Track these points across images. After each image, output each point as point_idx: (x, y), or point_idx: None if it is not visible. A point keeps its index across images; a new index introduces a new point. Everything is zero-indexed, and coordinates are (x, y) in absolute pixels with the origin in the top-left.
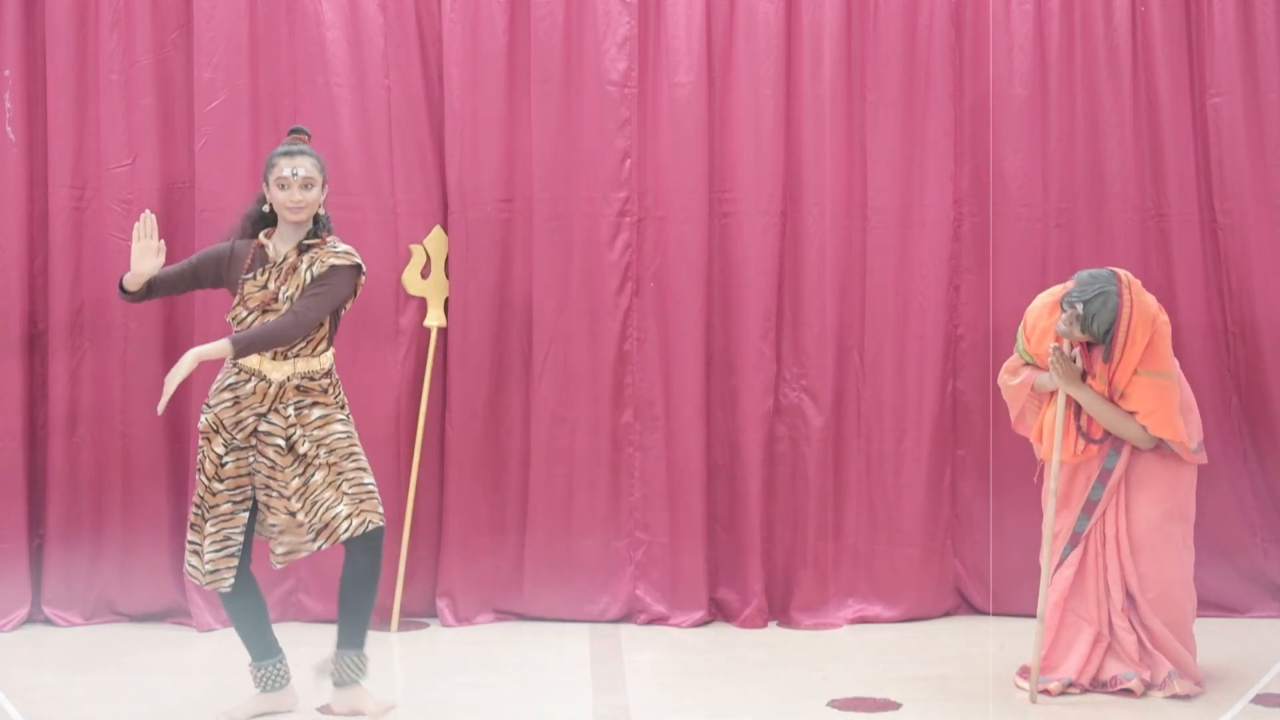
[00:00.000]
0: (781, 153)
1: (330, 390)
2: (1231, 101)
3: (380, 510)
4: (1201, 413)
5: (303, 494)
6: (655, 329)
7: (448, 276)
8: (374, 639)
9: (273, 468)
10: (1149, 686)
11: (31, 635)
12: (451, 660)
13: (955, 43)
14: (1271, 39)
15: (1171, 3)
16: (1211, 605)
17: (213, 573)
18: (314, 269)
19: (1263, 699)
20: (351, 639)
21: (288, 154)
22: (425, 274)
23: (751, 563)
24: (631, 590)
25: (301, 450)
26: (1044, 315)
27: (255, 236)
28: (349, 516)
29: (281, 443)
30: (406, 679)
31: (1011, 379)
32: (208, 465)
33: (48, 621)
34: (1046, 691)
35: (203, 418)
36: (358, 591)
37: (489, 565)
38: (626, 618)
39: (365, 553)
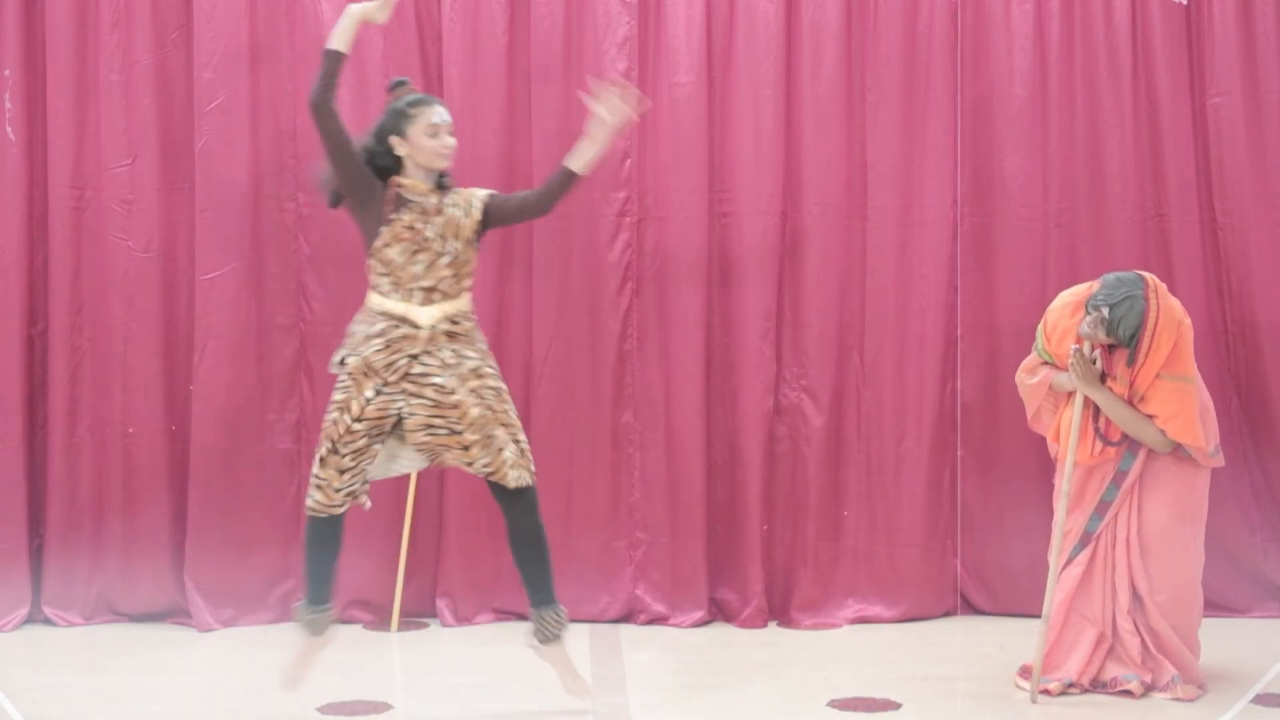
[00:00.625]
0: (781, 153)
1: (474, 333)
2: (1231, 101)
3: (532, 469)
4: None
5: (479, 425)
6: (655, 329)
7: None
8: (374, 639)
9: (434, 405)
10: (1149, 689)
11: (31, 635)
12: (451, 660)
13: (955, 43)
14: (1271, 39)
15: (1171, 3)
16: (1211, 605)
17: (349, 494)
18: (460, 207)
19: (1263, 699)
20: (541, 597)
21: (426, 101)
22: None
23: (751, 563)
24: (631, 590)
25: (470, 386)
26: (1065, 315)
27: (384, 183)
28: (514, 465)
29: (440, 381)
30: (406, 679)
31: (1029, 378)
32: (354, 406)
33: (48, 621)
34: (1047, 691)
35: (349, 360)
36: (531, 552)
37: (489, 565)
38: (626, 617)
39: (525, 515)
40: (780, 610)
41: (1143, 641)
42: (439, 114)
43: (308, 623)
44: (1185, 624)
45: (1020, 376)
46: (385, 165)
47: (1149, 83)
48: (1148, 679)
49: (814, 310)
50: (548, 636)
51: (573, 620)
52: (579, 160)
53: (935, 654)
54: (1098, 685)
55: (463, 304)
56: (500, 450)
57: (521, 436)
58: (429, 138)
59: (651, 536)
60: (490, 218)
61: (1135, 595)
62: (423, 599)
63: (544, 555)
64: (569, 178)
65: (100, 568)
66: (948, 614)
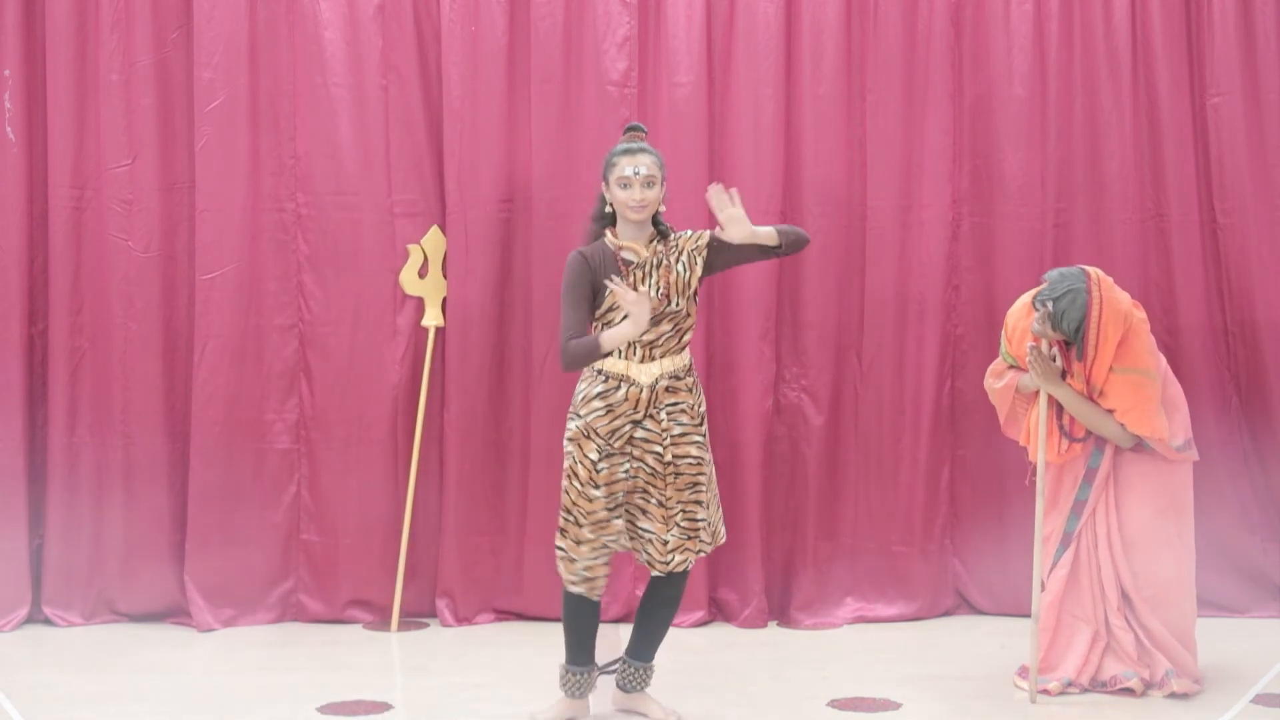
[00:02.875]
0: (781, 153)
1: (694, 391)
2: (1231, 101)
3: (698, 549)
4: (1201, 413)
5: (669, 501)
6: None
7: (445, 276)
8: (374, 639)
9: (653, 474)
10: (1148, 685)
11: (31, 635)
12: (451, 660)
13: (955, 43)
14: (1271, 39)
15: (1171, 3)
16: (1212, 605)
17: (590, 580)
18: (683, 262)
19: (1263, 699)
20: (643, 654)
21: (628, 152)
22: (423, 274)
23: (751, 563)
24: (631, 590)
25: (666, 459)
26: (1022, 316)
27: (600, 237)
28: (674, 550)
29: (659, 450)
30: (406, 679)
31: (996, 382)
32: (580, 470)
33: (48, 621)
34: (1046, 691)
35: (571, 425)
36: (658, 617)
37: (489, 565)
38: (626, 618)
39: (670, 586)
40: (780, 610)
41: (1136, 637)
42: (634, 165)
43: (567, 684)
44: (1175, 620)
45: (988, 382)
46: (607, 214)
47: (1149, 83)
48: (1146, 674)
49: (814, 310)
50: (630, 688)
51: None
52: (767, 238)
53: (935, 654)
54: (1097, 684)
55: (684, 360)
56: (659, 534)
57: (699, 516)
58: (620, 189)
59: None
60: (717, 262)
61: (1123, 593)
62: (423, 599)
63: (668, 623)
64: (780, 247)
65: (100, 568)
66: (948, 614)
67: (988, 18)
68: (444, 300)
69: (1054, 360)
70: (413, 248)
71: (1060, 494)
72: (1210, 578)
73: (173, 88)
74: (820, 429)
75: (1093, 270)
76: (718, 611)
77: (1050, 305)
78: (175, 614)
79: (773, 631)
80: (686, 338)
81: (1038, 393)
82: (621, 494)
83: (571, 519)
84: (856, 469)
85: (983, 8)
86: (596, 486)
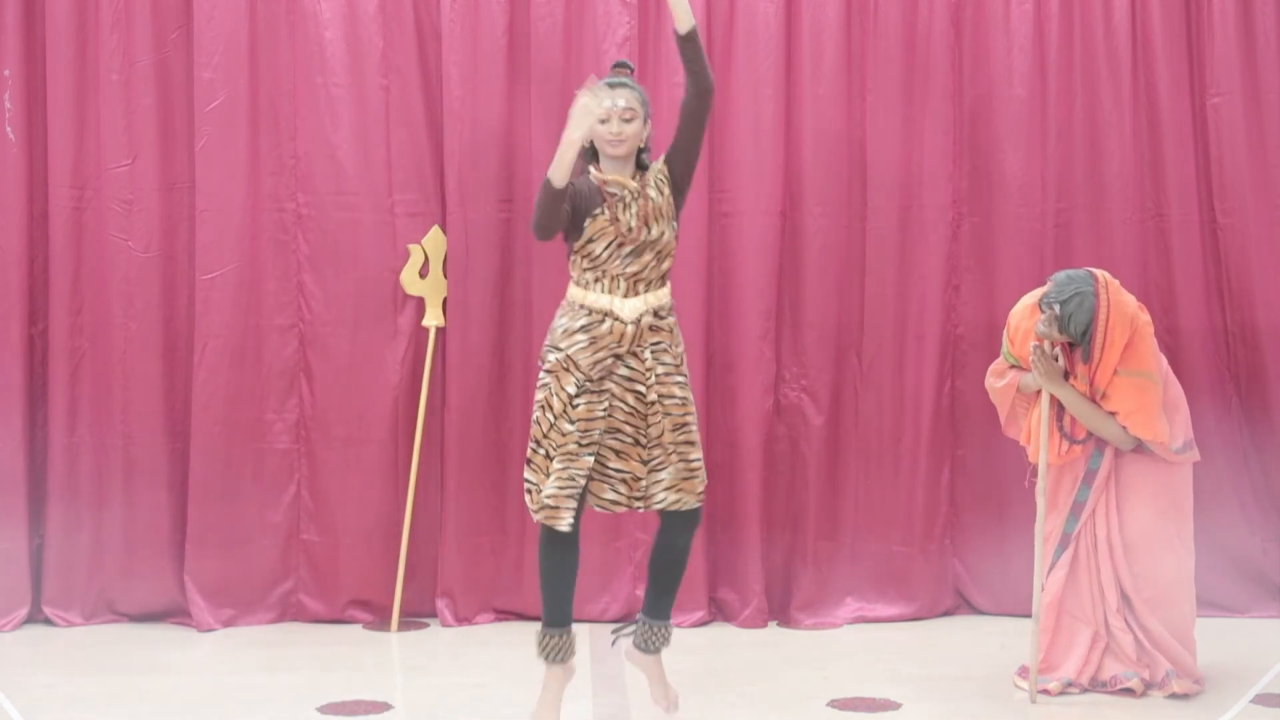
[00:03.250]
0: (781, 153)
1: (674, 332)
2: (1231, 101)
3: (698, 490)
4: (1201, 413)
5: (657, 442)
6: None
7: (445, 276)
8: (374, 639)
9: (632, 413)
10: (1149, 686)
11: (31, 635)
12: (451, 660)
13: (955, 43)
14: (1271, 39)
15: (1171, 3)
16: (1211, 605)
17: (553, 508)
18: (654, 186)
19: (1263, 699)
20: (659, 610)
21: (609, 87)
22: (423, 274)
23: (751, 563)
24: (631, 590)
25: (650, 399)
26: (1025, 317)
27: (586, 172)
28: (668, 488)
29: (642, 389)
30: (406, 679)
31: (997, 381)
32: (555, 403)
33: (48, 621)
34: (1046, 691)
35: (550, 357)
36: (670, 568)
37: (489, 565)
38: (626, 618)
39: (681, 533)
40: (780, 610)
41: (1136, 638)
42: (612, 99)
43: (546, 649)
44: (1176, 621)
45: (989, 381)
46: (589, 149)
47: (1149, 83)
48: (1146, 675)
49: (814, 310)
50: (651, 648)
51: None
52: (678, 19)
53: (935, 654)
54: (1097, 684)
55: (665, 294)
56: (653, 473)
57: (692, 456)
58: (600, 123)
59: (652, 536)
60: (677, 172)
61: (1123, 594)
62: (423, 599)
63: (681, 573)
64: (686, 41)
65: (100, 568)
66: (948, 614)
67: (988, 18)
68: (444, 300)
69: (1056, 360)
70: (413, 248)
71: (1059, 495)
72: (1210, 578)
73: (173, 88)
74: (820, 429)
75: (1100, 273)
76: (718, 611)
77: (1057, 308)
78: (175, 614)
79: (773, 631)
80: (666, 265)
81: (1039, 393)
82: (597, 432)
83: (541, 451)
84: (856, 469)
85: (983, 8)
86: (571, 421)
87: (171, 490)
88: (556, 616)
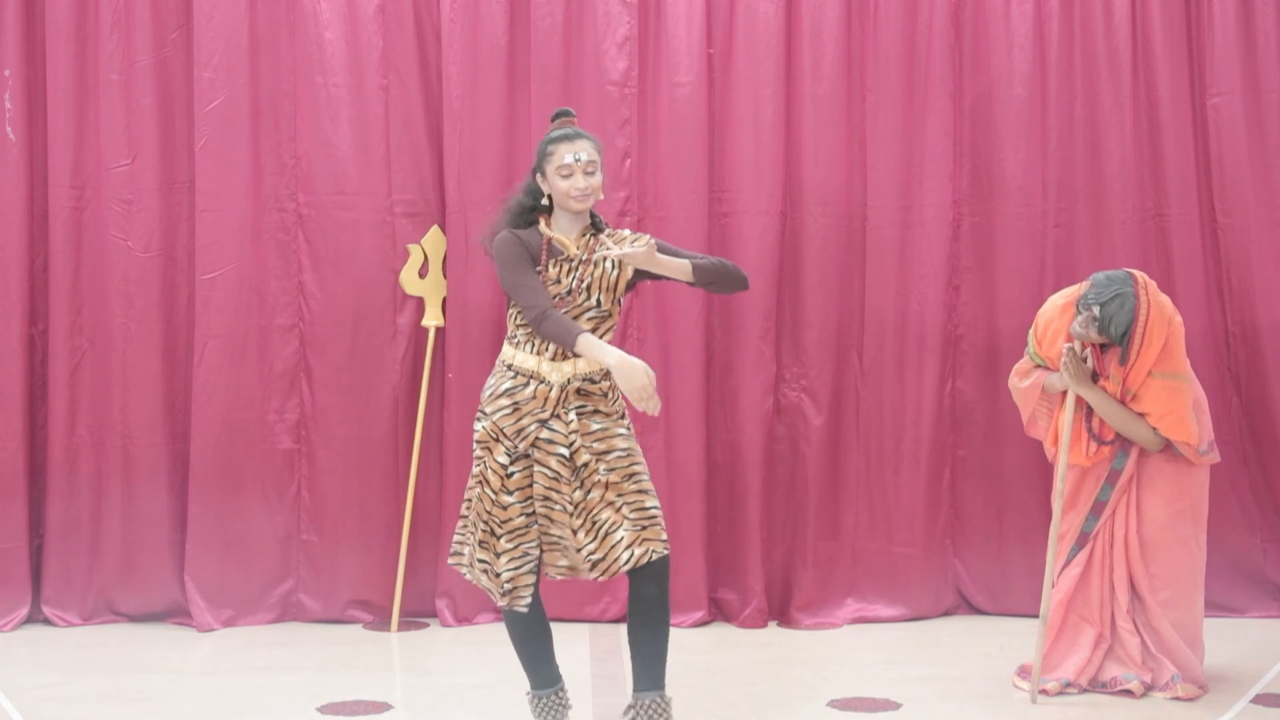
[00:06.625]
0: (781, 153)
1: (610, 394)
2: (1231, 101)
3: (664, 538)
4: None
5: (584, 510)
6: (655, 329)
7: (445, 276)
8: (374, 639)
9: (555, 478)
10: (1149, 689)
11: (31, 635)
12: (451, 660)
13: (955, 43)
14: (1271, 39)
15: (1171, 3)
16: (1211, 605)
17: (511, 591)
18: (613, 260)
19: (1263, 699)
20: (649, 680)
21: (566, 139)
22: (423, 274)
23: (751, 563)
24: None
25: (581, 461)
26: (1056, 316)
27: (527, 228)
28: (629, 546)
29: (564, 452)
30: (406, 679)
31: (1022, 381)
32: (492, 477)
33: (48, 621)
34: (1044, 691)
35: (478, 425)
36: (648, 627)
37: None
38: (626, 618)
39: (650, 584)
40: (780, 610)
41: (1142, 641)
42: (574, 152)
43: (541, 711)
44: (1187, 622)
45: (1013, 381)
46: (541, 205)
47: (1149, 83)
48: (1147, 678)
49: (814, 310)
50: None
51: (573, 620)
52: (679, 274)
53: (935, 654)
54: (1096, 685)
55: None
56: (606, 536)
57: (648, 504)
58: (561, 178)
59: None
60: (638, 278)
61: (1135, 595)
62: (423, 599)
63: (664, 630)
64: (700, 273)
65: (100, 568)
66: (948, 614)
67: (988, 18)
68: (444, 300)
69: (1086, 362)
70: (413, 248)
71: (1081, 494)
72: (1210, 578)
73: (173, 88)
74: (820, 429)
75: (1139, 274)
76: (718, 611)
77: (1097, 309)
78: (175, 614)
79: (773, 631)
80: (606, 339)
81: (1065, 393)
82: (536, 501)
83: (487, 529)
84: (857, 469)
85: (983, 8)
86: (509, 493)
87: (171, 490)
88: (542, 679)
